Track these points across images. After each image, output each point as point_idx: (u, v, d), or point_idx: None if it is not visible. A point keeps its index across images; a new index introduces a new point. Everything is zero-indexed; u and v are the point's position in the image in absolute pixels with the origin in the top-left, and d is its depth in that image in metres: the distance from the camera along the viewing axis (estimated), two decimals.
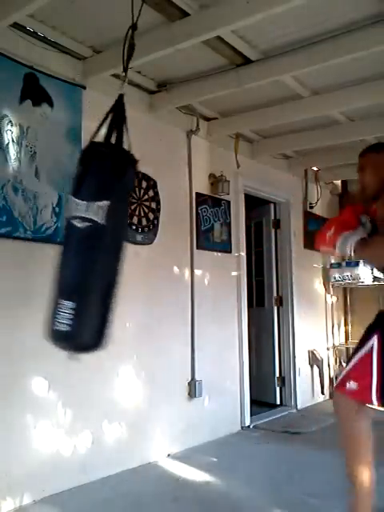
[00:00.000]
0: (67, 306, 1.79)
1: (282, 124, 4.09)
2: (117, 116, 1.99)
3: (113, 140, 1.97)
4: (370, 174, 2.13)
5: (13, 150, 2.72)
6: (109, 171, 1.89)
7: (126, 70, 2.11)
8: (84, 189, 1.89)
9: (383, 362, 1.92)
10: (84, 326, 1.84)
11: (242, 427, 4.25)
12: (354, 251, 1.92)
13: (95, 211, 1.82)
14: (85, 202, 1.83)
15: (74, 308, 1.78)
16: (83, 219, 1.82)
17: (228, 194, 4.23)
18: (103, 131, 2.01)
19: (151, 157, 3.60)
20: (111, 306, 1.91)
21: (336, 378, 1.78)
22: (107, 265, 1.91)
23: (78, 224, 1.83)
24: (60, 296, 1.84)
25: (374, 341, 1.94)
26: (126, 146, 1.98)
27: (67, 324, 1.78)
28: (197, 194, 3.99)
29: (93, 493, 2.84)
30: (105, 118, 2.00)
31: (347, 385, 1.98)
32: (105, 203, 1.83)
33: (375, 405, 1.94)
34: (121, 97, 2.04)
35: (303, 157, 5.07)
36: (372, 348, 1.94)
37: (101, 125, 2.01)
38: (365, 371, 1.94)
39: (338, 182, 6.02)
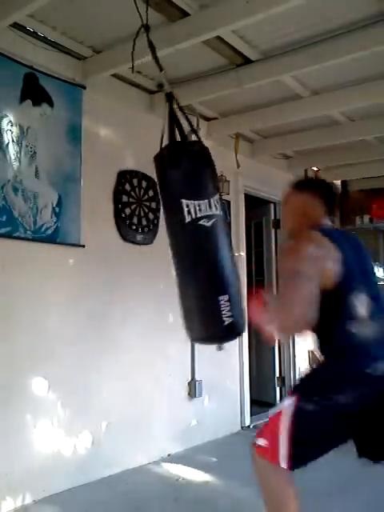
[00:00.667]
0: (224, 299, 1.84)
1: (282, 124, 4.09)
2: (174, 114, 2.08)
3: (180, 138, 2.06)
4: (287, 211, 2.07)
5: (13, 150, 2.72)
6: (203, 166, 1.99)
7: (160, 68, 2.14)
8: (193, 188, 1.94)
9: (295, 426, 1.73)
10: (239, 312, 1.92)
11: (241, 427, 4.25)
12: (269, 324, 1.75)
13: (214, 206, 1.92)
14: (205, 201, 1.90)
15: (228, 299, 1.85)
16: (209, 217, 1.89)
17: (228, 194, 4.22)
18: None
19: (151, 157, 3.59)
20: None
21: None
22: (232, 249, 2.03)
23: (206, 223, 1.88)
24: (216, 294, 1.87)
25: (291, 400, 1.75)
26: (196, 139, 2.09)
27: (230, 315, 1.84)
28: None
29: (93, 493, 2.84)
30: (170, 122, 2.10)
31: (258, 441, 1.86)
32: (217, 196, 1.96)
33: (285, 467, 1.76)
34: (169, 95, 2.16)
35: (303, 157, 5.07)
36: (285, 407, 1.76)
37: (172, 128, 2.09)
38: (274, 430, 1.78)
39: (338, 182, 6.02)
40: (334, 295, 1.70)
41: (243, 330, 1.96)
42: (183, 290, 1.96)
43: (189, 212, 1.89)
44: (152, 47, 2.12)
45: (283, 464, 1.75)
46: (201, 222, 1.88)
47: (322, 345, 1.81)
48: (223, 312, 1.84)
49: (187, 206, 1.89)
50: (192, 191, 1.93)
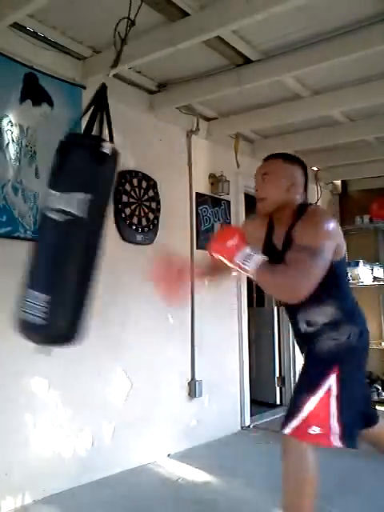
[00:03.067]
0: (41, 298, 1.74)
1: (282, 124, 4.10)
2: (99, 106, 1.92)
3: (95, 131, 1.90)
4: (275, 181, 1.99)
5: (13, 150, 2.72)
6: (89, 163, 1.79)
7: (116, 62, 2.10)
8: (62, 181, 1.80)
9: (341, 402, 1.84)
10: (57, 318, 1.79)
11: (241, 427, 4.25)
12: (255, 272, 1.76)
13: (74, 204, 1.73)
14: (64, 194, 1.74)
15: (48, 301, 1.73)
16: (61, 211, 1.74)
17: (228, 194, 4.23)
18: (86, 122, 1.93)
19: (151, 157, 3.60)
20: (86, 300, 1.87)
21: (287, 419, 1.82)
22: (84, 259, 1.87)
23: (55, 216, 1.75)
24: (32, 287, 1.81)
25: (332, 380, 1.86)
26: (107, 138, 1.91)
27: (39, 316, 1.73)
28: (197, 193, 3.99)
29: (93, 493, 2.84)
30: (87, 109, 1.89)
31: (309, 430, 1.87)
32: (85, 196, 1.73)
33: (339, 446, 1.86)
34: (103, 86, 1.92)
35: (303, 157, 5.02)
36: (330, 389, 1.85)
37: (82, 116, 1.91)
38: (325, 415, 1.85)
39: (338, 182, 6.02)
40: (340, 267, 1.96)
41: (49, 336, 1.81)
42: None
43: (45, 199, 1.82)
44: (123, 41, 2.09)
45: (340, 444, 1.85)
46: (49, 213, 1.75)
47: (326, 310, 1.95)
48: (27, 307, 1.77)
49: (46, 192, 1.82)
50: (52, 179, 1.83)
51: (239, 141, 4.37)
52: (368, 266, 5.24)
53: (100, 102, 1.89)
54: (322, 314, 1.95)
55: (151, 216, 3.55)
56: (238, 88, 3.20)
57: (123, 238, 3.35)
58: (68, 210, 1.73)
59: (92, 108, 1.87)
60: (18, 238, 2.71)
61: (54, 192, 1.78)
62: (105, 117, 1.87)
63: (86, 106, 1.88)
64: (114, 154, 1.83)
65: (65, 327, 1.83)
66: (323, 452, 3.57)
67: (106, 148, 1.80)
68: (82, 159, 1.79)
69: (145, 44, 2.73)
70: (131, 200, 3.41)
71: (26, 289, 1.82)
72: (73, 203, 1.74)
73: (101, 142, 1.81)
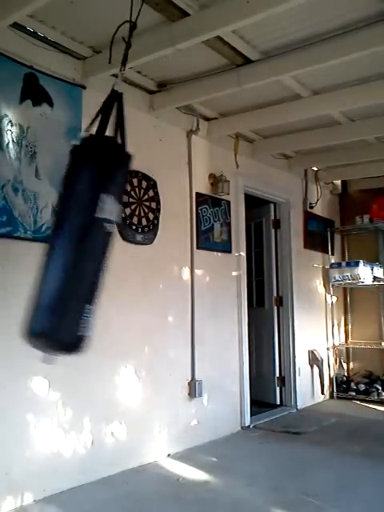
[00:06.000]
0: (89, 309, 1.79)
1: (282, 124, 4.10)
2: (109, 111, 2.00)
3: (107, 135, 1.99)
4: None
5: (13, 150, 2.72)
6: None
7: (123, 66, 2.10)
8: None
9: None
10: (90, 328, 1.86)
11: (241, 427, 4.25)
12: None
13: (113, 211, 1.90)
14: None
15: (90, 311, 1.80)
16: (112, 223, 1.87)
17: (228, 194, 4.23)
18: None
19: (151, 157, 3.60)
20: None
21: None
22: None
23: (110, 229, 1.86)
24: (86, 302, 1.84)
25: None
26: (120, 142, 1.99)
27: (85, 327, 1.79)
28: (197, 193, 3.99)
29: (93, 493, 2.84)
30: (99, 113, 2.00)
31: None
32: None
33: None
34: (115, 93, 2.02)
35: (303, 157, 5.07)
36: None
37: (95, 119, 2.03)
38: None
39: (338, 182, 6.03)
40: None
41: (84, 348, 1.84)
42: (55, 275, 1.84)
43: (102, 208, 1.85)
44: (128, 45, 2.09)
45: None
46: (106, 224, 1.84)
47: None
48: (82, 321, 1.78)
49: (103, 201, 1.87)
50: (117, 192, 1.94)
51: (239, 141, 4.37)
52: (368, 266, 5.24)
53: (110, 106, 1.96)
54: None
55: (151, 216, 3.55)
56: (238, 88, 3.20)
57: (123, 238, 3.35)
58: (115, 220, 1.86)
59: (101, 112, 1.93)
60: (18, 237, 2.71)
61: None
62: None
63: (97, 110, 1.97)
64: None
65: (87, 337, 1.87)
66: (323, 452, 3.58)
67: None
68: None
69: (145, 44, 2.73)
70: (131, 200, 3.41)
71: (84, 304, 1.83)
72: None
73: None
